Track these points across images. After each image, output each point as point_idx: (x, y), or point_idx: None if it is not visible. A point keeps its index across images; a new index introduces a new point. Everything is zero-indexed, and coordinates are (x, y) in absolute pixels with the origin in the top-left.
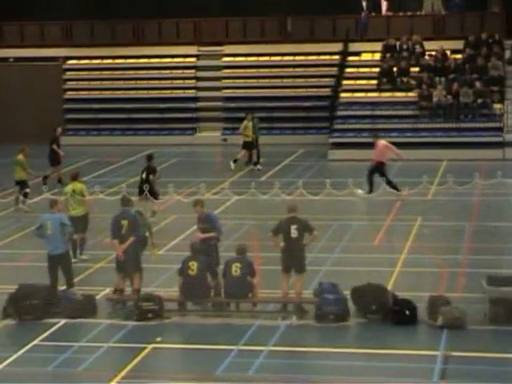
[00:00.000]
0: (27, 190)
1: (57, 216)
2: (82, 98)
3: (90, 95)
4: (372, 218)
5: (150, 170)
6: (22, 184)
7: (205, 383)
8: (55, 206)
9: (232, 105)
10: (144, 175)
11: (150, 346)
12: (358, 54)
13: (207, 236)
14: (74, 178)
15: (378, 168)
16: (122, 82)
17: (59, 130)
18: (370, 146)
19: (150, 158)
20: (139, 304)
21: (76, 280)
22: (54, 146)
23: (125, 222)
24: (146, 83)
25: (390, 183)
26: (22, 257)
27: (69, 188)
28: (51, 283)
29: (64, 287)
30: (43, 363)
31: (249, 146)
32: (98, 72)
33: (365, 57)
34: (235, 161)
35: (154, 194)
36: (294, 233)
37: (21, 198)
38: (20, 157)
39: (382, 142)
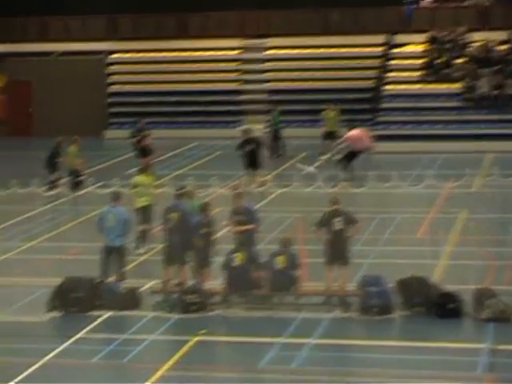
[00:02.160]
0: (81, 179)
1: (118, 209)
2: (126, 91)
3: (133, 89)
4: (416, 210)
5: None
6: (74, 173)
7: (248, 376)
8: (117, 199)
9: (276, 97)
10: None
11: (194, 339)
12: (402, 45)
13: (247, 228)
14: (144, 169)
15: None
16: (165, 75)
17: None
18: (414, 138)
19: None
20: (183, 297)
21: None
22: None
23: (175, 215)
24: (189, 76)
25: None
26: (68, 249)
27: (137, 179)
28: (101, 275)
29: (113, 279)
30: (89, 355)
31: (328, 136)
32: (141, 65)
33: (409, 48)
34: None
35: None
36: (337, 225)
37: (68, 187)
38: (73, 147)
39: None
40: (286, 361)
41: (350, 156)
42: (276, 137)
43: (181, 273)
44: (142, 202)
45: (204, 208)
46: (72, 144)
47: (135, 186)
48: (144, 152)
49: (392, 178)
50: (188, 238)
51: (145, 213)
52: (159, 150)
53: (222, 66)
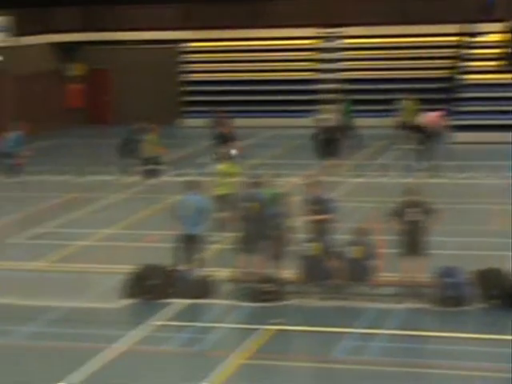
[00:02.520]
0: (159, 167)
1: (196, 197)
2: (200, 80)
3: (207, 78)
4: (492, 201)
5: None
6: (151, 160)
7: (322, 365)
8: (195, 188)
9: (350, 87)
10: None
11: (270, 328)
12: (479, 34)
13: (323, 218)
14: (228, 157)
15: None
16: (240, 64)
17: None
18: (491, 128)
19: None
20: (259, 286)
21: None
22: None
23: (251, 204)
24: (263, 65)
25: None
26: (145, 237)
27: (222, 167)
28: (177, 263)
29: (188, 267)
30: (163, 342)
31: (404, 126)
32: (215, 54)
33: (487, 38)
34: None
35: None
36: (414, 216)
37: (144, 175)
38: (151, 135)
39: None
40: (360, 351)
41: (425, 143)
42: (347, 126)
43: (256, 262)
44: (222, 189)
45: (280, 198)
46: (150, 132)
47: (219, 173)
48: (225, 140)
49: (468, 169)
50: (264, 228)
51: (225, 201)
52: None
53: (297, 55)
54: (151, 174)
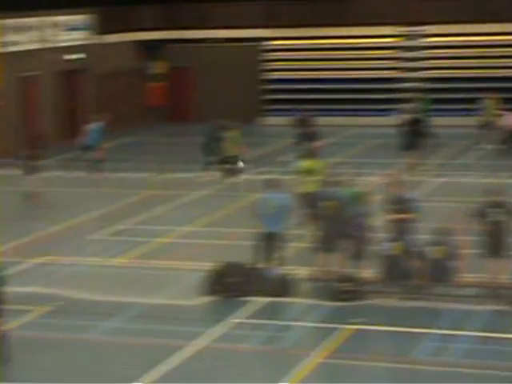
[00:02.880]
0: (238, 166)
1: (278, 195)
2: (283, 78)
3: (290, 76)
4: None
5: None
6: (232, 158)
7: (401, 366)
8: (277, 186)
9: (433, 85)
10: None
11: (349, 327)
12: None
13: (405, 217)
14: (312, 155)
15: None
16: (322, 62)
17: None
18: None
19: None
20: (339, 285)
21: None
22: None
23: (331, 203)
24: (346, 64)
25: None
26: (225, 235)
27: (305, 164)
28: (258, 261)
29: (269, 266)
30: (244, 340)
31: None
32: (298, 53)
33: None
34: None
35: None
36: (496, 216)
37: (225, 173)
38: (234, 133)
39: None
40: (440, 352)
41: (507, 142)
42: (425, 125)
43: (335, 261)
44: (306, 187)
45: (362, 197)
46: (232, 130)
47: (302, 171)
48: (310, 138)
49: None
50: (343, 227)
51: (309, 198)
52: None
53: (380, 53)
54: (232, 172)
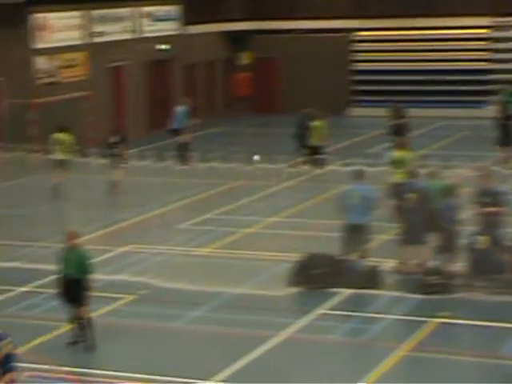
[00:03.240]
0: (321, 157)
1: (363, 187)
2: (370, 69)
3: (377, 67)
4: None
5: None
6: (318, 149)
7: (488, 361)
8: (361, 177)
9: None
10: None
11: (435, 321)
12: None
13: (494, 210)
14: (403, 145)
15: None
16: (410, 53)
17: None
18: None
19: None
20: (425, 277)
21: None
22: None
23: (413, 195)
24: (435, 55)
25: None
26: (310, 226)
27: (396, 155)
28: (343, 252)
29: (354, 257)
30: (328, 331)
31: None
32: (386, 43)
33: None
34: None
35: None
36: None
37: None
38: (319, 123)
39: None
40: None
41: None
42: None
43: (421, 253)
44: (397, 178)
45: (450, 189)
46: (318, 119)
47: (393, 162)
48: (401, 129)
49: None
50: (429, 219)
51: (397, 190)
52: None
53: (470, 44)
54: (318, 162)
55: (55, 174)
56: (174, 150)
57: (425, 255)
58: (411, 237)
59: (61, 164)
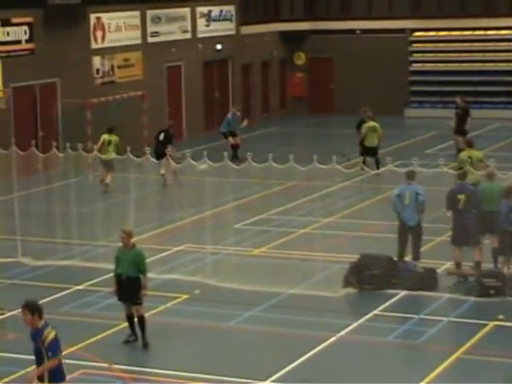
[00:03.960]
0: (379, 157)
1: (413, 187)
2: (428, 70)
3: (436, 67)
4: None
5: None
6: (372, 151)
7: None
8: (413, 178)
9: None
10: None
11: (492, 324)
12: None
13: None
14: (470, 144)
15: None
16: (468, 54)
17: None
18: None
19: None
20: (481, 280)
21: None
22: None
23: (461, 197)
24: (494, 56)
25: None
26: (365, 227)
27: (464, 155)
28: (399, 253)
29: (409, 258)
30: (383, 333)
31: None
32: (444, 44)
33: None
34: None
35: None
36: None
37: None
38: (374, 123)
39: None
40: None
41: None
42: None
43: (475, 254)
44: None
45: (508, 191)
46: (372, 120)
47: (460, 162)
48: (465, 130)
49: None
50: (481, 220)
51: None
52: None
53: None
54: (377, 163)
55: (105, 174)
56: (229, 150)
57: (477, 257)
58: (461, 238)
59: (107, 164)
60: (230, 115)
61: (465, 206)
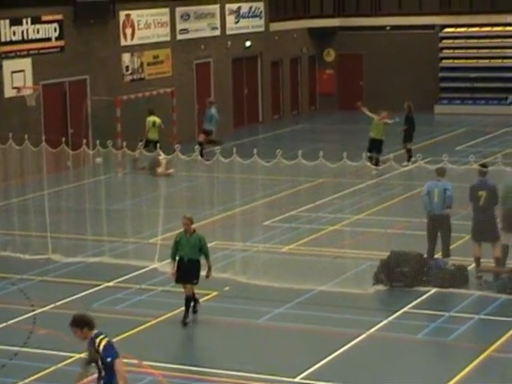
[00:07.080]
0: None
1: (443, 183)
2: (458, 66)
3: (466, 64)
4: None
5: None
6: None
7: None
8: (442, 174)
9: None
10: None
11: None
12: None
13: None
14: None
15: None
16: (499, 50)
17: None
18: None
19: None
20: (510, 277)
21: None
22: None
23: (482, 193)
24: None
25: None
26: (395, 224)
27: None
28: (428, 250)
29: (439, 256)
30: (413, 330)
31: None
32: (475, 40)
33: None
34: None
35: None
36: None
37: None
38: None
39: None
40: None
41: None
42: None
43: (495, 251)
44: None
45: None
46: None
47: None
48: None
49: None
50: (503, 217)
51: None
52: (490, 127)
53: None
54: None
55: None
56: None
57: (496, 253)
58: (480, 234)
59: (154, 145)
60: (214, 111)
61: (485, 202)
